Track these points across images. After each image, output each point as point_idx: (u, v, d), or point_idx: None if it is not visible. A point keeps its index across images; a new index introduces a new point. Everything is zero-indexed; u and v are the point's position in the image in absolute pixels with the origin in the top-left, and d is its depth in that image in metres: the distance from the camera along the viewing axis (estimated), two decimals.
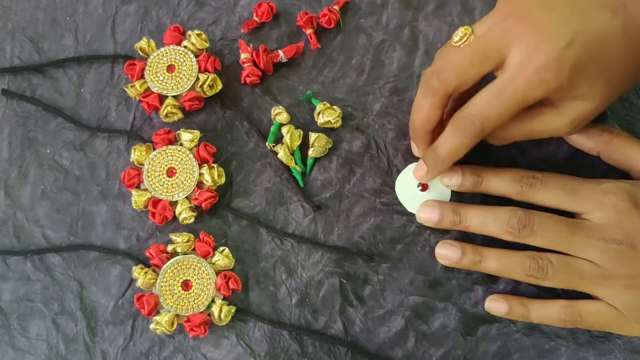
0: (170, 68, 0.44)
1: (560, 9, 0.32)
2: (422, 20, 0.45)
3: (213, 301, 0.40)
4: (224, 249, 0.41)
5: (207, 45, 0.44)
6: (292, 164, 0.43)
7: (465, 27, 0.35)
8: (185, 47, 0.44)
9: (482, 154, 0.43)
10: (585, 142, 0.39)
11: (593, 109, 0.34)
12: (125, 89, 0.44)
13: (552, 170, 0.38)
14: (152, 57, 0.44)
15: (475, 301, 0.41)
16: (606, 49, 0.32)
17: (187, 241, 0.41)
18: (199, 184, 0.42)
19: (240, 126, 0.44)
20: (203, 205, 0.41)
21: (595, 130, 0.39)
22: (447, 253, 0.39)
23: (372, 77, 0.44)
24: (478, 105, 0.33)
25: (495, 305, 0.39)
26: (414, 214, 0.40)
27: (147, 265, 0.41)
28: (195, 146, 0.43)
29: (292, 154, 0.43)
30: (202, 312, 0.40)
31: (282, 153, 0.42)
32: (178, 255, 0.41)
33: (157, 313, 0.40)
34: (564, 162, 0.42)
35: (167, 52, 0.44)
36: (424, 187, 0.41)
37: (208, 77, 0.43)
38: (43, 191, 0.44)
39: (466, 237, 0.40)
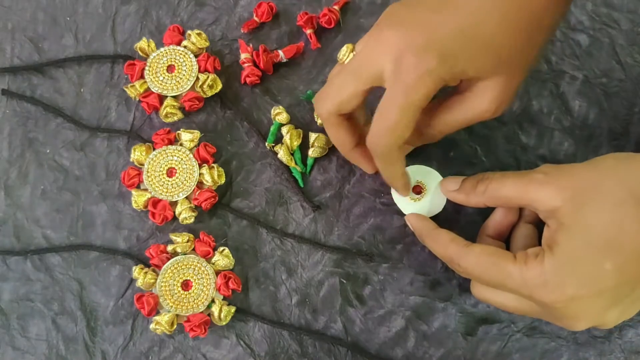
0: (170, 68, 0.44)
1: (418, 12, 0.33)
2: None
3: (213, 301, 0.40)
4: (224, 249, 0.41)
5: (207, 44, 0.44)
6: (292, 164, 0.43)
7: (348, 44, 0.36)
8: (185, 47, 0.44)
9: (484, 153, 0.43)
10: (468, 200, 0.37)
11: (504, 85, 0.33)
12: (125, 89, 0.44)
13: None
14: (152, 57, 0.44)
15: (475, 301, 0.41)
16: (485, 27, 0.32)
17: (187, 241, 0.41)
18: (199, 184, 0.42)
19: (240, 126, 0.44)
20: (203, 205, 0.41)
21: (468, 184, 0.37)
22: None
23: None
24: (374, 128, 0.34)
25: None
26: None
27: (147, 265, 0.41)
28: (195, 146, 0.43)
29: (292, 154, 0.43)
30: (202, 312, 0.40)
31: (282, 153, 0.42)
32: (178, 255, 0.41)
33: (157, 313, 0.40)
34: (565, 160, 0.42)
35: (167, 52, 0.44)
36: (418, 190, 0.40)
37: (208, 77, 0.43)
38: (43, 191, 0.44)
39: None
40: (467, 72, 0.33)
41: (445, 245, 0.35)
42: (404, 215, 0.41)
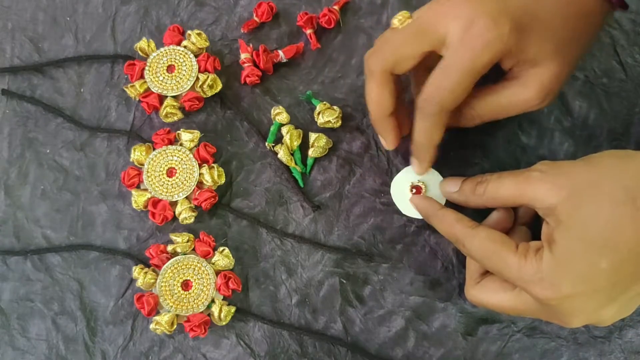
0: (170, 68, 0.44)
1: None
2: None
3: (213, 301, 0.40)
4: (224, 249, 0.41)
5: (207, 44, 0.44)
6: (292, 164, 0.43)
7: (404, 11, 0.36)
8: (185, 46, 0.44)
9: (483, 153, 0.43)
10: (468, 202, 0.37)
11: (555, 74, 0.34)
12: (125, 89, 0.44)
13: None
14: (151, 57, 0.44)
15: None
16: (544, 8, 0.33)
17: (187, 241, 0.41)
18: (199, 184, 0.42)
19: (240, 126, 0.44)
20: (203, 205, 0.41)
21: (467, 186, 0.37)
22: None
23: None
24: (431, 85, 0.34)
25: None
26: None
27: (147, 265, 0.41)
28: (195, 146, 0.43)
29: (292, 154, 0.43)
30: (202, 312, 0.40)
31: (282, 153, 0.42)
32: (178, 255, 0.41)
33: (157, 313, 0.40)
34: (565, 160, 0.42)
35: (167, 52, 0.44)
36: (418, 190, 0.40)
37: (208, 77, 0.43)
38: (43, 191, 0.44)
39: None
40: (528, 50, 0.33)
41: (452, 225, 0.36)
42: (404, 215, 0.41)
